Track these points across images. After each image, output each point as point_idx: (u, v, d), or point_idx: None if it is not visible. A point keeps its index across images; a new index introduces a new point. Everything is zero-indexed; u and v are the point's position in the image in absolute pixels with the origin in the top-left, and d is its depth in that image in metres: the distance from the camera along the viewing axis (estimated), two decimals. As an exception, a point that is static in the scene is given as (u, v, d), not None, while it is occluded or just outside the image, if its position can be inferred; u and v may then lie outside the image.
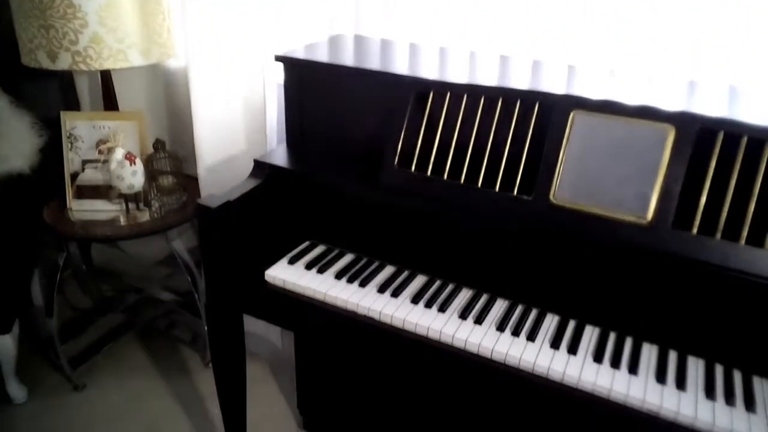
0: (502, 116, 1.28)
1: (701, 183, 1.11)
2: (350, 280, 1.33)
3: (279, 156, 1.55)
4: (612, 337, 1.18)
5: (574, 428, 1.13)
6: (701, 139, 1.12)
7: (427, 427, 1.70)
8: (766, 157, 1.08)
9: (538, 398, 1.14)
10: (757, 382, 1.09)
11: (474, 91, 1.30)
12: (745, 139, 1.09)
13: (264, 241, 1.48)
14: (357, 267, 1.38)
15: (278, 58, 1.54)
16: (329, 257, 1.42)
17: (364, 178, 1.38)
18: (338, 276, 1.35)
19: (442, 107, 1.33)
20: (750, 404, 1.03)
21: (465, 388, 1.45)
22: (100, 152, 2.00)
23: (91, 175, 2.01)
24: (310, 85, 1.54)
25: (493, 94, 1.28)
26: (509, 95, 1.27)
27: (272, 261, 1.40)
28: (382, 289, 1.30)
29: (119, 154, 1.92)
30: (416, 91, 1.35)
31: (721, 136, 1.10)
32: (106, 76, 2.08)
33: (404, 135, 1.34)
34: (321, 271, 1.37)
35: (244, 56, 1.85)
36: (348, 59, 1.49)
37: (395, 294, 1.29)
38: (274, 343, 2.22)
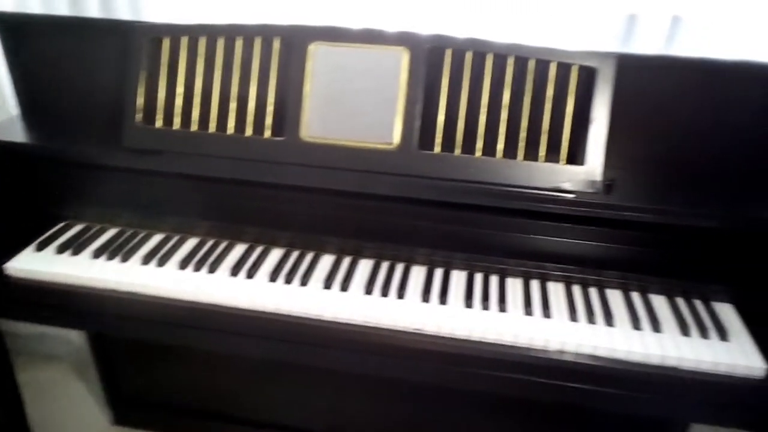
0: (246, 57, 1.20)
1: (438, 103, 1.14)
2: (111, 257, 1.21)
3: (8, 129, 1.34)
4: (385, 265, 1.22)
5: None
6: (437, 59, 1.15)
7: (245, 401, 1.68)
8: (489, 70, 1.13)
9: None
10: (511, 283, 1.19)
11: (210, 31, 1.20)
12: (470, 55, 1.13)
13: (7, 229, 1.29)
14: (119, 241, 1.26)
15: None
16: (87, 236, 1.27)
17: (106, 142, 1.24)
18: (96, 255, 1.21)
19: (178, 53, 1.22)
20: (503, 303, 1.13)
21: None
22: None
23: None
24: (33, 45, 1.33)
25: (230, 33, 1.19)
26: (247, 33, 1.19)
27: (18, 251, 1.24)
28: (146, 261, 1.20)
29: None
30: (149, 38, 1.22)
31: (449, 54, 1.13)
32: None
33: (144, 88, 1.21)
34: (76, 252, 1.22)
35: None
36: (63, 9, 1.30)
37: (161, 263, 1.20)
38: (73, 341, 2.02)
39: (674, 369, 1.02)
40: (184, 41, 1.21)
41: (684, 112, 1.18)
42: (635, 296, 1.16)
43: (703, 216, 1.11)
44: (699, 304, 1.15)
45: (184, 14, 1.55)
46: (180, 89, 1.21)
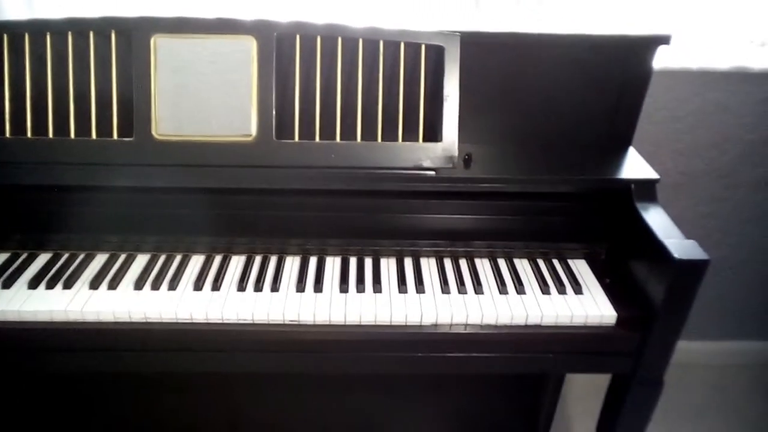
0: (81, 53, 1.11)
1: (293, 90, 1.13)
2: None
3: None
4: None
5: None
6: (287, 46, 1.13)
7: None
8: (340, 54, 1.13)
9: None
10: (385, 263, 1.20)
11: (37, 27, 1.10)
12: (320, 40, 1.12)
13: None
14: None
15: None
16: None
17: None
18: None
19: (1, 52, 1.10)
20: (378, 284, 1.14)
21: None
22: None
23: None
24: None
25: (61, 28, 1.10)
26: (80, 27, 1.10)
27: None
28: (-11, 284, 1.10)
29: None
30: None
31: (298, 40, 1.11)
32: None
33: (-36, 95, 1.10)
34: None
35: None
36: None
37: (6, 286, 1.09)
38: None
39: (537, 326, 1.09)
40: (6, 39, 1.10)
41: (529, 85, 1.25)
42: (502, 263, 1.22)
43: (553, 182, 1.19)
44: (557, 263, 1.23)
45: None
46: (6, 92, 1.10)
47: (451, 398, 1.63)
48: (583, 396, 1.95)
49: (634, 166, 1.22)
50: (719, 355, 2.11)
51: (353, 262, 1.20)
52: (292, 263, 1.19)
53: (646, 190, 1.15)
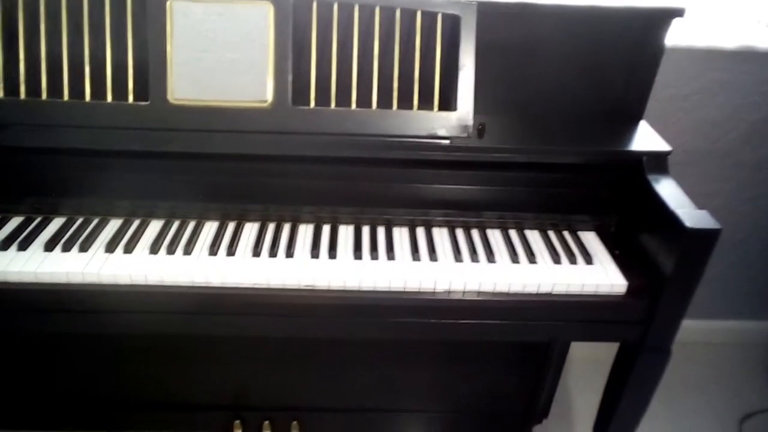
0: (97, 15, 1.10)
1: (309, 57, 1.13)
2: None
3: None
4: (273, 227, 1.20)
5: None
6: (304, 12, 1.12)
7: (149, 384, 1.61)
8: (357, 21, 1.13)
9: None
10: (397, 232, 1.22)
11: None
12: (337, 6, 1.12)
13: None
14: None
15: None
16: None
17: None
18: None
19: (15, 13, 1.09)
20: (391, 252, 1.15)
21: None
22: None
23: None
24: None
25: (74, -10, 1.09)
26: (96, -10, 1.10)
27: None
28: (3, 247, 1.09)
29: None
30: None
31: (315, 6, 1.11)
32: None
33: (-22, 56, 1.09)
34: None
35: None
36: None
37: (23, 247, 1.09)
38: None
39: (549, 294, 1.11)
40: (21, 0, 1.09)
41: (543, 57, 1.25)
42: (513, 233, 1.24)
43: (567, 153, 1.20)
44: (567, 235, 1.24)
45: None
46: (22, 54, 1.09)
47: (453, 372, 1.65)
48: (583, 372, 1.98)
49: (647, 139, 1.23)
50: (719, 333, 2.14)
51: (366, 230, 1.21)
52: (305, 230, 1.19)
53: (658, 162, 1.16)
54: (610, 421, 1.24)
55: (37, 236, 1.12)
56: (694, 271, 1.04)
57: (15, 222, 1.16)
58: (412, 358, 1.61)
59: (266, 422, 1.63)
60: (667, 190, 1.11)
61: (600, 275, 1.13)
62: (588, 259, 1.16)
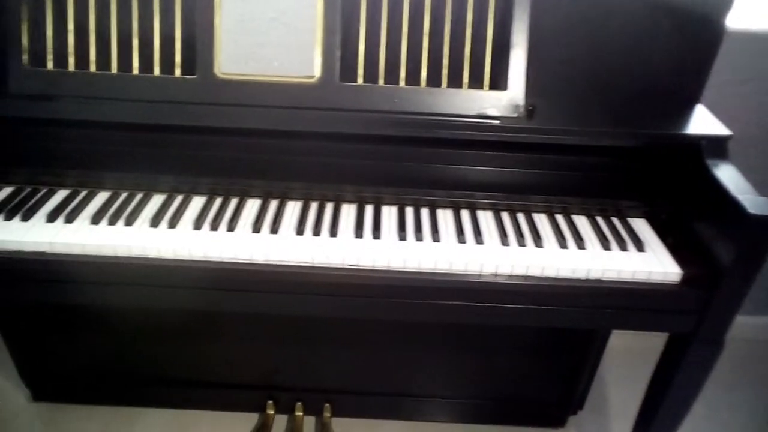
0: (142, -11, 1.10)
1: (358, 32, 1.10)
2: (8, 218, 1.09)
3: None
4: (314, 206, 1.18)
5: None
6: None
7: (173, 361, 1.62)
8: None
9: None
10: (441, 214, 1.19)
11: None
12: (388, -20, 1.09)
13: None
14: (15, 201, 1.14)
15: None
16: (-22, 197, 1.15)
17: (-10, 89, 1.11)
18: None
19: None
20: (436, 233, 1.13)
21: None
22: None
23: None
24: None
25: (123, -38, 1.08)
26: (144, -39, 1.08)
27: None
28: (51, 219, 1.10)
29: None
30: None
31: (365, -21, 1.08)
32: None
33: (27, 26, 1.08)
34: (-33, 215, 1.10)
35: None
36: None
37: (69, 220, 1.10)
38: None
39: (598, 281, 1.07)
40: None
41: (596, 37, 1.21)
42: (559, 218, 1.20)
43: (617, 135, 1.15)
44: (616, 221, 1.20)
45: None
46: (71, 25, 1.09)
47: (487, 359, 1.63)
48: (620, 363, 1.94)
49: (705, 123, 1.18)
50: (755, 329, 2.08)
51: (410, 211, 1.18)
52: (348, 210, 1.18)
53: (718, 146, 1.11)
54: (657, 414, 1.21)
55: (82, 210, 1.13)
56: (755, 260, 0.99)
57: (61, 195, 1.16)
58: (446, 343, 1.60)
59: (299, 403, 1.64)
60: (728, 176, 1.07)
61: (653, 262, 1.09)
62: (639, 246, 1.12)
